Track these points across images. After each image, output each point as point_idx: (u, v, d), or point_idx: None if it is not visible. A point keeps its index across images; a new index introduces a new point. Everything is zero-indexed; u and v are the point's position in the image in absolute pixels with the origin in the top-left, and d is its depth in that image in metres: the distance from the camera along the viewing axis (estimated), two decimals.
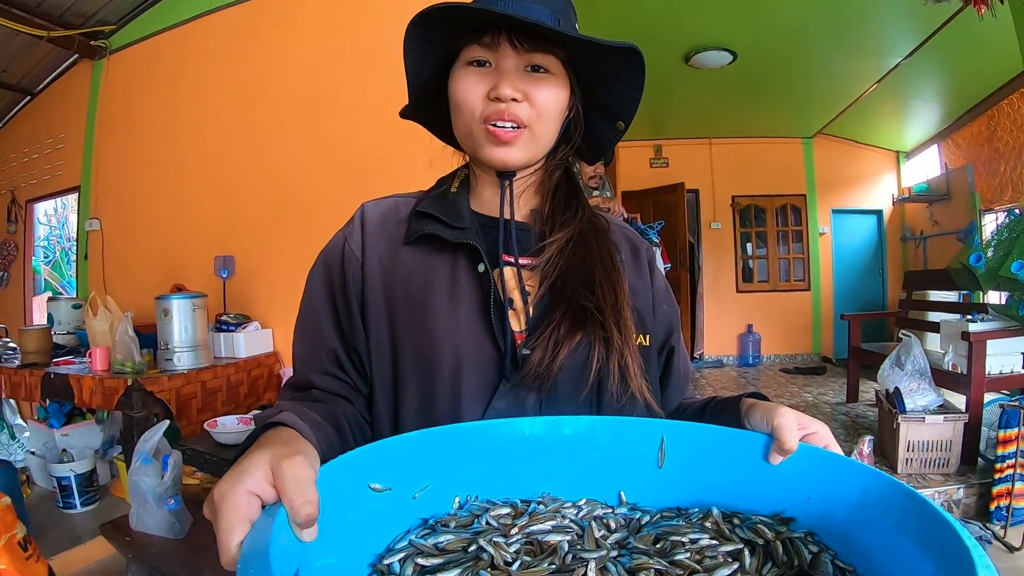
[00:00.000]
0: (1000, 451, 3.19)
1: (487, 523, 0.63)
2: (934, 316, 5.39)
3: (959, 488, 3.39)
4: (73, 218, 5.47)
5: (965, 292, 5.44)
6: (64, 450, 3.58)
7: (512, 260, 0.86)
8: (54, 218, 6.31)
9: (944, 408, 3.61)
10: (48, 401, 3.67)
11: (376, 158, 3.55)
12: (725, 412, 0.82)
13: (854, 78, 6.01)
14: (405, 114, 0.96)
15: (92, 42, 4.66)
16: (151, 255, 4.26)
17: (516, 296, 0.85)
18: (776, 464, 0.66)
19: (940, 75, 5.81)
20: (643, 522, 0.67)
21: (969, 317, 4.16)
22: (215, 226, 4.02)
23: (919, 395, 3.64)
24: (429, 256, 0.86)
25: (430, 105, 0.93)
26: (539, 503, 0.68)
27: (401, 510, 0.64)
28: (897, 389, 3.62)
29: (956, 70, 5.66)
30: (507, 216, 0.88)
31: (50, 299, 4.51)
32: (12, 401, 4.33)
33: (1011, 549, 3.01)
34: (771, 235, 8.35)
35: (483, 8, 0.77)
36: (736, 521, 0.65)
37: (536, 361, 0.78)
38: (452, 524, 0.64)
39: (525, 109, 0.82)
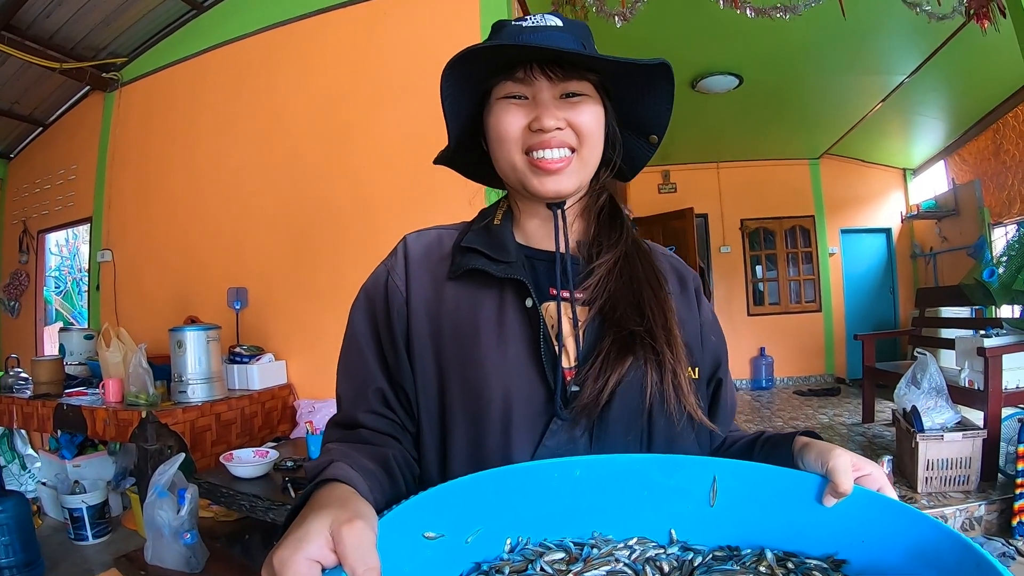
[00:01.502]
0: (1020, 466, 3.16)
1: (541, 569, 0.62)
2: (947, 333, 5.37)
3: (980, 505, 3.35)
4: (85, 249, 5.49)
5: (978, 308, 5.43)
6: (76, 481, 3.57)
7: (563, 294, 0.85)
8: (65, 248, 6.34)
9: (962, 425, 3.58)
10: (60, 432, 3.66)
11: (391, 192, 3.57)
12: (776, 450, 0.80)
13: (859, 98, 6.03)
14: (440, 160, 0.95)
15: (104, 74, 4.71)
16: (163, 286, 4.27)
17: (567, 328, 0.84)
18: (830, 506, 0.65)
19: (944, 91, 5.84)
20: (695, 563, 0.65)
21: (984, 332, 4.14)
22: (228, 258, 4.03)
23: (936, 412, 3.61)
24: (475, 291, 0.85)
25: (464, 151, 0.94)
26: (592, 545, 0.67)
27: (454, 555, 0.64)
28: (914, 408, 3.59)
29: (960, 85, 5.68)
30: (562, 249, 0.87)
31: (62, 329, 4.51)
32: (23, 431, 4.32)
33: None
34: (781, 257, 8.35)
35: (518, 45, 0.77)
36: (790, 565, 0.64)
37: (586, 395, 0.77)
38: (507, 570, 0.62)
39: (570, 135, 0.82)
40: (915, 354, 4.59)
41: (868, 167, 8.21)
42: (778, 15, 3.31)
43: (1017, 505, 3.17)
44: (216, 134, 4.14)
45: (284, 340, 3.83)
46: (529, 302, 0.82)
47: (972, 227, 6.63)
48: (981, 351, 3.61)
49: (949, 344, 4.87)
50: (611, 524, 0.70)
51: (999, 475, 3.57)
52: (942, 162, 7.59)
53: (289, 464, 2.47)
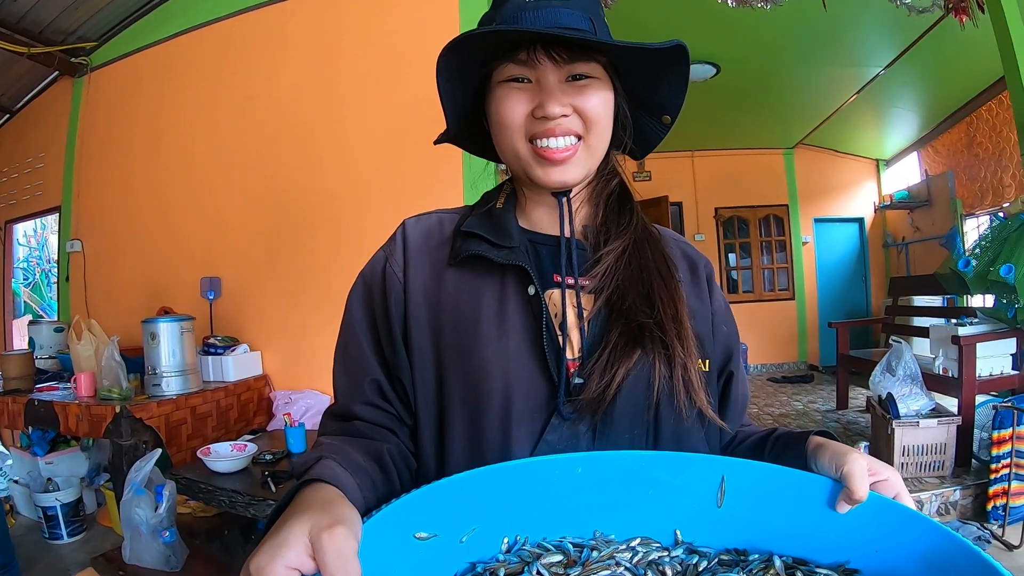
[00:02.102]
0: (995, 451, 3.23)
1: (538, 572, 0.59)
2: (920, 321, 5.47)
3: (955, 490, 3.43)
4: (54, 239, 5.34)
5: (949, 296, 5.53)
6: (49, 479, 3.49)
7: (567, 281, 0.82)
8: (33, 239, 6.18)
9: (936, 412, 3.65)
10: (31, 428, 3.57)
11: (370, 181, 3.52)
12: (788, 450, 0.78)
13: (835, 89, 6.09)
14: (442, 140, 0.92)
15: (73, 59, 4.58)
16: (135, 277, 4.18)
17: (571, 318, 0.80)
18: (843, 512, 0.63)
19: (919, 84, 5.91)
20: (700, 568, 0.63)
21: (958, 321, 4.21)
22: (201, 247, 3.95)
23: (911, 399, 3.68)
24: (476, 278, 0.81)
25: (467, 130, 0.90)
26: (592, 547, 0.65)
27: (448, 555, 0.61)
28: (890, 395, 3.65)
29: (935, 79, 5.76)
30: (567, 235, 0.84)
31: (31, 322, 4.41)
32: None
33: (1010, 547, 3.04)
34: (755, 246, 8.44)
35: (518, 30, 0.72)
36: (799, 574, 0.62)
37: (591, 389, 0.74)
38: (502, 572, 0.60)
39: (576, 122, 0.78)
40: (890, 341, 4.67)
41: (842, 157, 8.31)
42: (760, 5, 3.32)
43: (992, 490, 3.24)
44: (188, 120, 4.05)
45: (259, 330, 3.77)
46: (532, 289, 0.78)
47: (944, 218, 6.74)
48: (956, 340, 3.67)
49: (922, 332, 4.99)
50: (614, 523, 0.68)
51: (973, 460, 3.65)
52: (915, 153, 7.70)
53: (268, 457, 2.43)
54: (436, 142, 0.92)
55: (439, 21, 3.37)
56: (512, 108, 0.78)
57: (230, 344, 3.54)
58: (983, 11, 3.70)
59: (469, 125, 0.90)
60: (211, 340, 3.53)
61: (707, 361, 0.83)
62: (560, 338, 0.78)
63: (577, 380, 0.76)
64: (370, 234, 3.42)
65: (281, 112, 3.76)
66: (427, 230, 0.88)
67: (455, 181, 3.28)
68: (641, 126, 0.90)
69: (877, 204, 8.23)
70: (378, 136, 3.51)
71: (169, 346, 2.99)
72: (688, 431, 0.79)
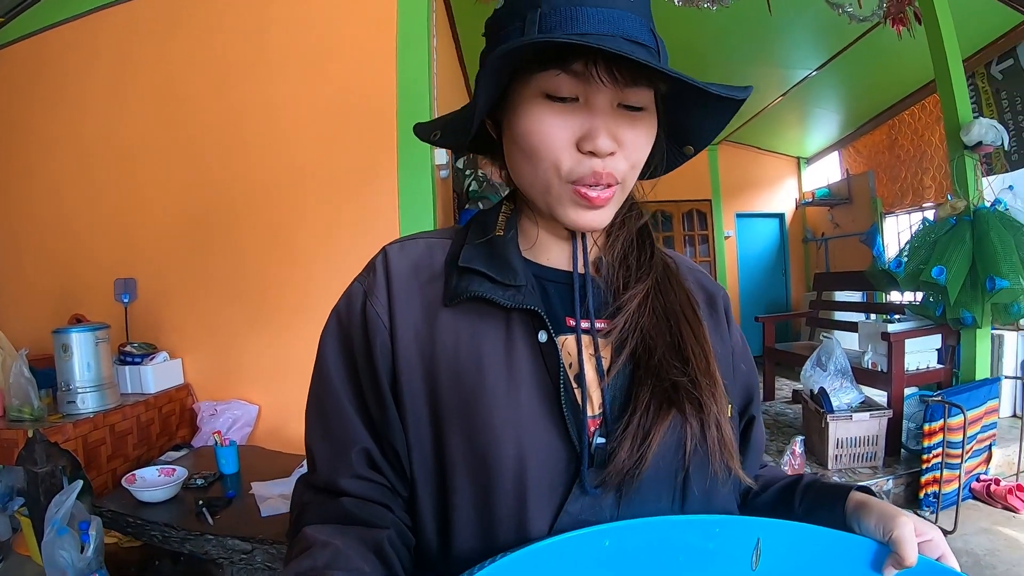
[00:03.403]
0: (926, 443, 3.36)
1: None
2: (842, 315, 5.68)
3: (888, 480, 3.55)
4: None
5: (869, 292, 5.78)
6: None
7: (582, 325, 0.71)
8: None
9: (866, 404, 3.78)
10: None
11: (304, 171, 3.31)
12: (822, 505, 0.71)
13: (763, 89, 6.22)
14: (423, 134, 0.79)
15: None
16: (41, 280, 3.81)
17: (589, 370, 0.69)
18: None
19: (845, 87, 6.12)
20: None
21: (887, 318, 4.37)
22: (115, 246, 3.63)
23: (842, 393, 3.81)
24: (476, 322, 0.69)
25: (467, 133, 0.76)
26: None
27: None
28: (822, 389, 3.76)
29: (861, 83, 5.97)
30: (581, 269, 0.73)
31: None
32: None
33: (945, 532, 3.12)
34: (678, 240, 8.59)
35: (586, 44, 0.57)
36: None
37: (622, 459, 0.63)
38: None
39: (621, 163, 0.66)
40: (821, 337, 4.81)
41: (764, 154, 8.55)
42: (705, 5, 3.31)
43: (924, 479, 3.38)
44: (105, 106, 3.70)
45: (178, 335, 3.50)
46: (543, 336, 0.67)
47: (865, 215, 7.04)
48: (885, 336, 3.81)
49: (845, 326, 5.21)
50: None
51: (902, 450, 3.80)
52: (836, 152, 8.02)
53: (199, 482, 2.23)
54: (416, 131, 0.79)
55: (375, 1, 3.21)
56: (554, 134, 0.65)
57: (148, 352, 3.28)
58: (920, 23, 3.86)
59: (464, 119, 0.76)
60: (127, 348, 3.25)
61: (730, 406, 0.74)
62: (577, 392, 0.67)
63: (599, 440, 0.66)
64: (305, 225, 3.27)
65: (209, 96, 3.47)
66: (415, 261, 0.74)
67: (391, 171, 3.13)
68: (663, 152, 0.79)
69: (798, 200, 8.52)
70: (312, 122, 3.30)
71: (83, 359, 2.71)
72: (718, 490, 0.70)
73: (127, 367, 3.17)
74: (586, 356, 0.69)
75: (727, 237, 8.50)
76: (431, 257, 0.74)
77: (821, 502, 0.72)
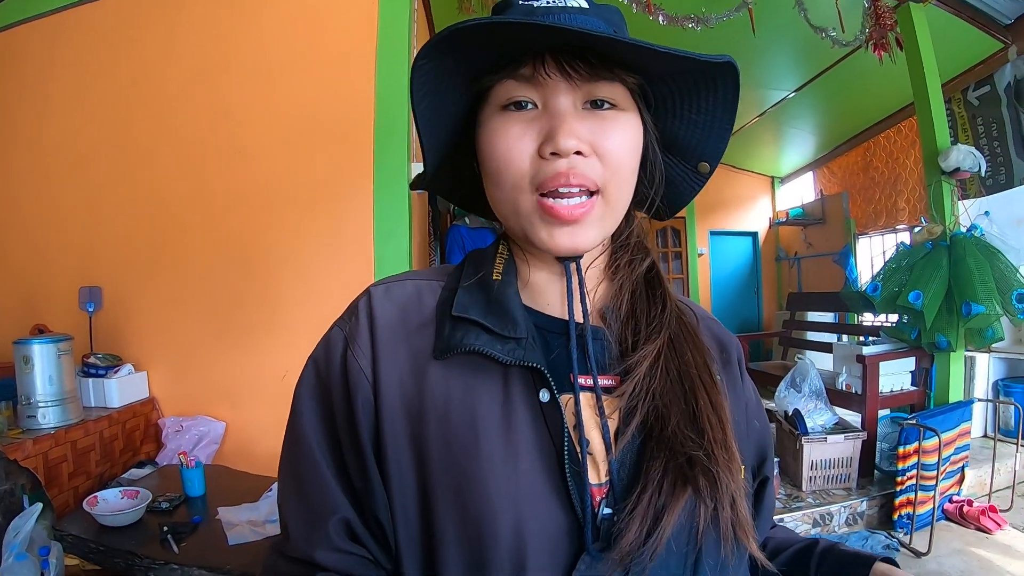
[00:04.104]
0: (901, 465, 3.37)
1: None
2: (815, 335, 5.72)
3: (862, 501, 3.55)
4: None
5: (841, 313, 5.84)
6: None
7: (585, 381, 0.63)
8: None
9: (840, 426, 3.78)
10: None
11: (270, 180, 3.22)
12: (845, 573, 0.67)
13: (740, 110, 6.12)
14: (417, 185, 0.73)
15: None
16: (3, 286, 3.66)
17: (594, 436, 0.62)
18: None
19: (822, 109, 6.21)
20: None
21: (862, 340, 4.40)
22: (79, 253, 3.49)
23: (816, 414, 3.79)
24: (470, 377, 0.61)
25: (450, 171, 0.72)
26: None
27: None
28: (797, 411, 3.75)
29: (838, 105, 6.07)
30: (579, 317, 0.65)
31: None
32: None
33: (918, 555, 3.16)
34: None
35: (517, 21, 0.54)
36: None
37: (630, 540, 0.56)
38: None
39: (594, 166, 0.59)
40: (796, 358, 4.82)
41: (738, 173, 8.63)
42: (690, 25, 3.31)
43: (898, 500, 3.39)
44: (69, 108, 3.57)
45: (144, 347, 3.37)
46: (545, 395, 0.60)
47: (838, 236, 7.14)
48: (861, 358, 3.82)
49: (817, 347, 5.23)
50: None
51: (875, 471, 3.82)
52: (811, 173, 8.13)
53: (164, 505, 2.11)
54: (412, 187, 0.73)
55: (353, 5, 3.14)
56: (511, 144, 0.60)
57: (112, 364, 3.15)
58: (901, 49, 3.93)
59: (454, 166, 0.71)
60: (91, 359, 3.12)
61: (743, 468, 0.67)
62: (581, 457, 0.60)
63: (605, 511, 0.59)
64: (275, 238, 3.17)
65: (173, 101, 3.36)
66: (403, 306, 0.66)
67: (366, 184, 3.05)
68: (671, 176, 0.72)
69: (772, 219, 8.61)
70: (285, 130, 3.20)
71: (45, 372, 2.58)
72: (730, 567, 0.63)
73: (91, 379, 3.04)
74: (590, 417, 0.62)
75: (700, 255, 8.56)
76: (420, 302, 0.67)
77: (841, 572, 0.67)
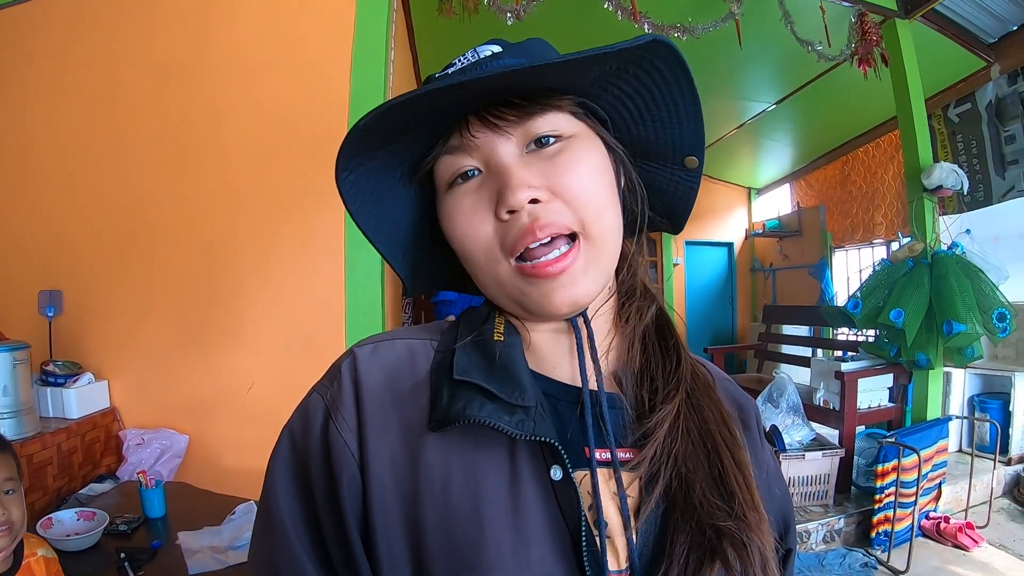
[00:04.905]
0: (879, 483, 3.37)
1: None
2: (790, 349, 5.74)
3: (840, 519, 3.54)
4: None
5: (816, 327, 5.87)
6: None
7: (603, 455, 0.56)
8: None
9: (817, 442, 3.76)
10: None
11: (241, 183, 3.10)
12: None
13: (721, 120, 6.30)
14: (410, 292, 0.67)
15: None
16: None
17: (612, 515, 0.54)
18: None
19: (802, 122, 6.24)
20: None
21: (840, 356, 4.40)
22: (39, 255, 3.35)
23: (794, 430, 3.79)
24: (472, 452, 0.53)
25: (428, 259, 0.66)
26: None
27: None
28: (774, 427, 3.73)
29: (817, 118, 6.10)
30: (592, 383, 0.58)
31: None
32: None
33: (896, 573, 3.16)
34: None
35: (408, 97, 0.49)
36: None
37: None
38: None
39: (559, 209, 0.53)
40: (773, 373, 4.83)
41: (715, 183, 8.64)
42: (676, 34, 3.28)
43: (876, 518, 3.38)
44: (37, 104, 3.42)
45: (106, 354, 3.23)
46: (557, 472, 0.53)
47: (814, 248, 7.18)
48: (839, 375, 3.81)
49: (793, 360, 5.25)
50: None
51: (852, 487, 3.81)
52: (788, 185, 8.18)
53: (122, 528, 2.00)
54: (405, 296, 0.66)
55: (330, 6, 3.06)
56: (467, 221, 0.55)
57: (72, 372, 3.01)
58: (886, 64, 3.95)
59: (432, 255, 0.66)
60: (50, 367, 2.98)
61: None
62: (597, 539, 0.52)
63: None
64: (243, 246, 3.06)
65: (146, 98, 3.23)
66: (392, 370, 0.58)
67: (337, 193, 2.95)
68: (659, 182, 0.66)
69: (748, 231, 8.64)
70: (256, 132, 3.09)
71: (0, 382, 2.46)
72: None
73: (48, 388, 2.91)
74: (607, 494, 0.55)
75: (676, 264, 8.56)
76: (413, 364, 0.59)
77: None
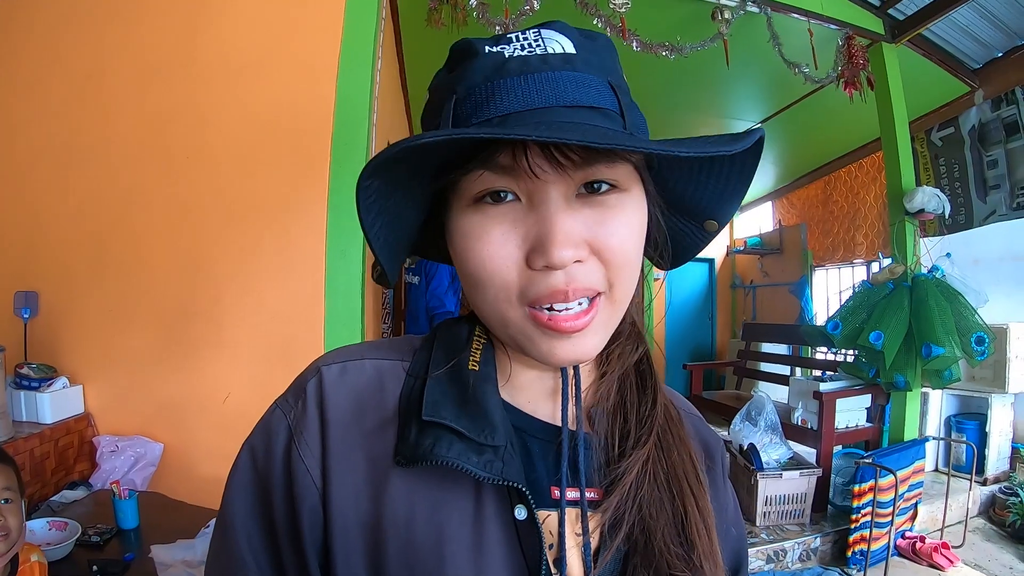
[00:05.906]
0: (856, 503, 3.39)
1: None
2: (769, 367, 5.78)
3: (816, 537, 3.56)
4: None
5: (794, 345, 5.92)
6: None
7: (571, 496, 0.56)
8: None
9: (795, 460, 3.79)
10: None
11: (223, 187, 3.07)
12: None
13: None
14: (383, 281, 0.64)
15: None
16: None
17: (573, 557, 0.54)
18: None
19: (785, 141, 6.30)
20: None
21: (819, 375, 4.44)
22: (15, 254, 3.29)
23: (772, 448, 3.81)
24: (436, 489, 0.53)
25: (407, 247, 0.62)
26: None
27: None
28: (752, 446, 3.76)
29: (801, 138, 6.16)
30: (572, 424, 0.57)
31: None
32: None
33: None
34: None
35: (491, 136, 0.43)
36: None
37: None
38: None
39: (595, 272, 0.50)
40: (752, 392, 4.84)
41: None
42: (664, 53, 3.29)
43: (852, 537, 3.40)
44: (16, 99, 3.36)
45: (81, 358, 3.17)
46: (522, 512, 0.52)
47: (795, 266, 7.25)
48: (817, 395, 3.84)
49: (772, 378, 5.28)
50: None
51: (829, 506, 3.84)
52: (770, 203, 8.26)
53: (95, 539, 1.96)
54: (377, 281, 0.64)
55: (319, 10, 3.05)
56: (492, 252, 0.50)
57: (47, 376, 2.95)
58: (872, 88, 4.00)
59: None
60: (24, 370, 2.92)
61: None
62: None
63: None
64: (223, 250, 3.03)
65: (128, 96, 3.18)
66: (359, 396, 0.56)
67: (320, 199, 2.93)
68: (675, 233, 0.64)
69: (729, 247, 8.70)
70: (239, 136, 3.07)
71: None
72: None
73: (22, 391, 2.86)
74: (570, 535, 0.54)
75: (657, 279, 8.59)
76: (381, 391, 0.56)
77: None
